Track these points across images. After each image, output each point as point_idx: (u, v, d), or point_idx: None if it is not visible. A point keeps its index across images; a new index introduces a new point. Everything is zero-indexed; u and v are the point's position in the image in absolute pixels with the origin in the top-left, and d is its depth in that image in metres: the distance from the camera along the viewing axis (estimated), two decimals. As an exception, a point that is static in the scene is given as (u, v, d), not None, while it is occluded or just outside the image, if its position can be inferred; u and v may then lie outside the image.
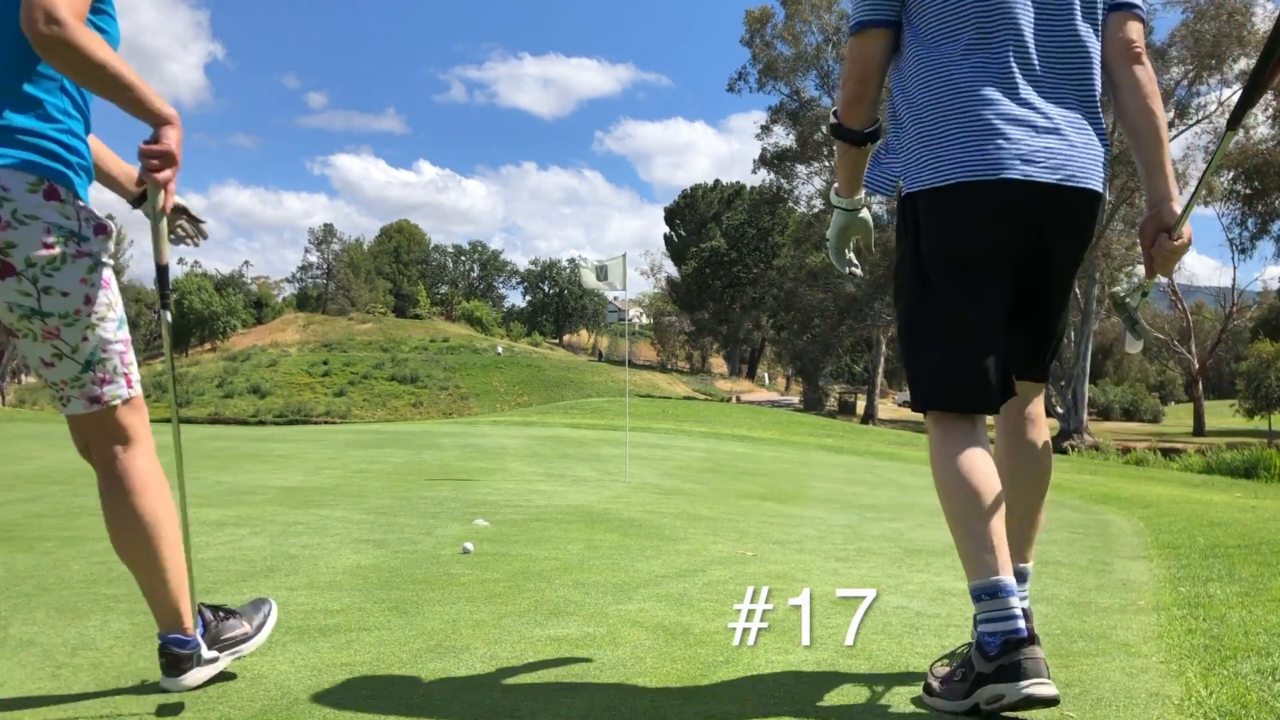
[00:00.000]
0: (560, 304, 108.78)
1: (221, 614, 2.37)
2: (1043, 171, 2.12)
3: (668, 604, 3.28)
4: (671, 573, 3.91)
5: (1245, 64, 43.10)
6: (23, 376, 71.40)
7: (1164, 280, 2.23)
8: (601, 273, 8.84)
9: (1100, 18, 2.23)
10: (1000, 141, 2.12)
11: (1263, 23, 42.38)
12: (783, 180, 61.34)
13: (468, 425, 21.26)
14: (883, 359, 61.16)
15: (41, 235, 2.00)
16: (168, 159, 2.01)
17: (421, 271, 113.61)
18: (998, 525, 2.09)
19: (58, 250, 2.02)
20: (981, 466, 2.15)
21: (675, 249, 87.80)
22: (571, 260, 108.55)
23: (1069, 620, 3.15)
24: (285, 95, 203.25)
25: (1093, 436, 43.91)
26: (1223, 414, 58.24)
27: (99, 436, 2.21)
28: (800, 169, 60.32)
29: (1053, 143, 2.14)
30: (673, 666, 2.51)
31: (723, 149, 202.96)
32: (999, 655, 1.99)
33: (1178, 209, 2.21)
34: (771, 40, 58.03)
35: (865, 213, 2.55)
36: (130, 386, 2.21)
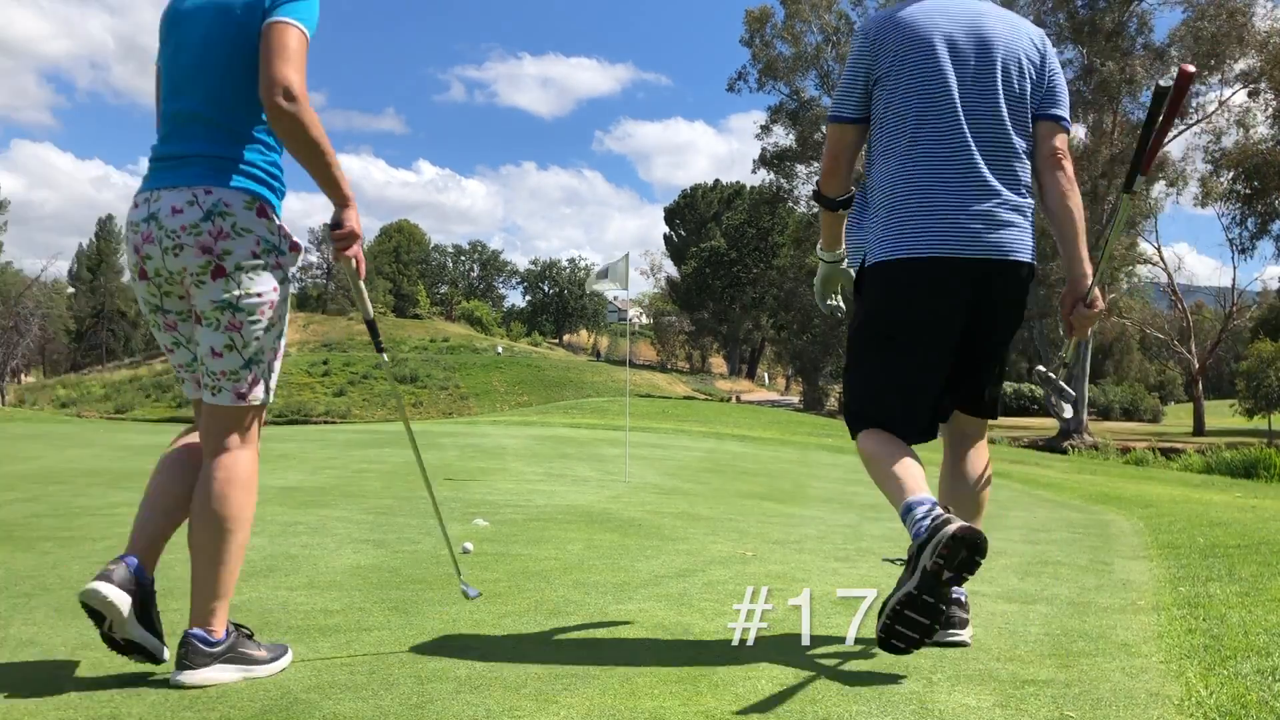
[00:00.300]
0: (560, 304, 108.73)
1: (245, 632, 2.44)
2: (976, 249, 2.54)
3: (668, 604, 3.28)
4: (671, 573, 3.91)
5: (1245, 64, 43.13)
6: (22, 376, 71.40)
7: (1084, 342, 2.78)
8: (604, 273, 8.86)
9: (1027, 122, 2.66)
10: (943, 225, 2.54)
11: (1262, 21, 42.42)
12: (783, 180, 61.36)
13: (468, 425, 21.26)
14: (883, 359, 61.13)
15: (252, 245, 2.33)
16: (352, 237, 2.43)
17: (421, 271, 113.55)
18: (903, 469, 2.47)
19: (261, 259, 2.35)
20: (886, 440, 2.58)
21: (675, 249, 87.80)
22: (571, 260, 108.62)
23: (1069, 620, 3.15)
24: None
25: (1092, 436, 43.90)
26: (1223, 414, 58.20)
27: (224, 428, 2.38)
28: (800, 169, 60.30)
29: (986, 225, 2.56)
30: (673, 666, 2.51)
31: (722, 149, 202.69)
32: (928, 530, 2.27)
33: (1089, 283, 2.67)
34: (771, 40, 58.04)
35: (846, 263, 2.91)
36: (268, 393, 2.44)
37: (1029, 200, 2.67)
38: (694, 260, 78.98)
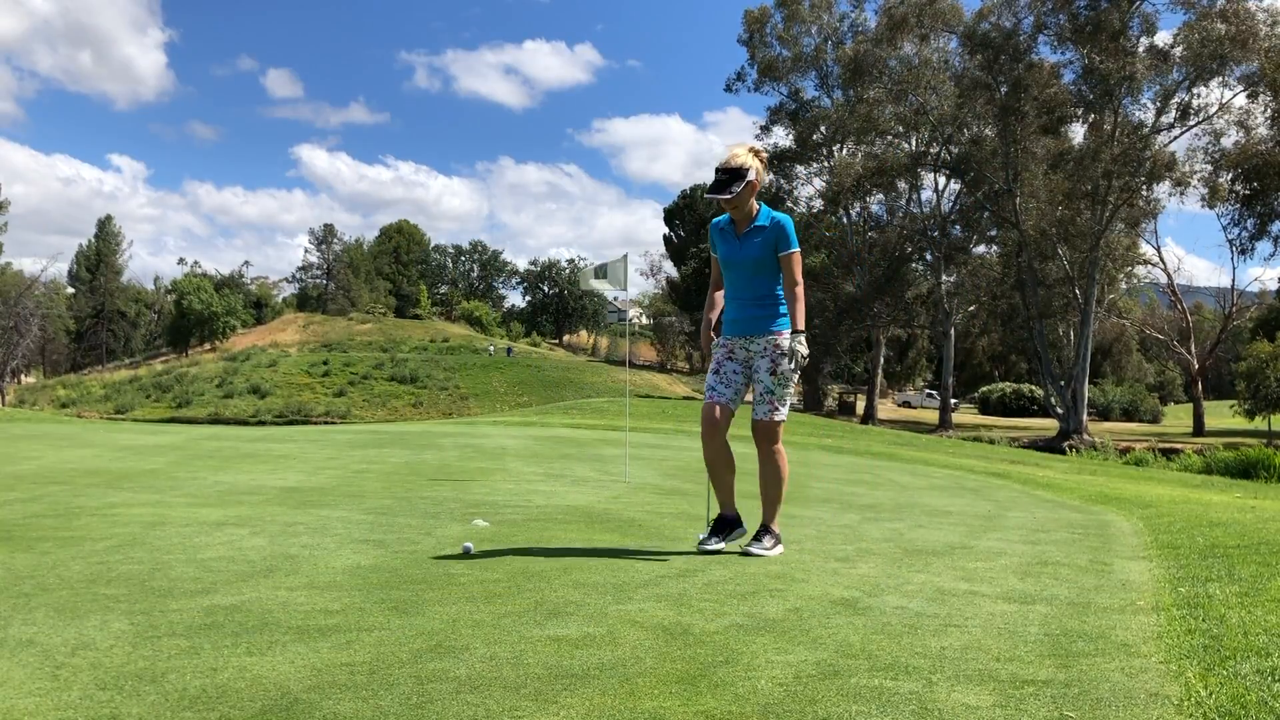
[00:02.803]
0: (560, 304, 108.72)
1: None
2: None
3: (668, 604, 3.28)
4: (671, 573, 3.91)
5: (1246, 67, 43.12)
6: (22, 377, 71.36)
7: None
8: (601, 271, 8.78)
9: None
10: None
11: (1264, 25, 42.41)
12: (782, 181, 61.35)
13: (468, 425, 21.25)
14: (882, 359, 61.10)
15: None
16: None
17: (421, 271, 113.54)
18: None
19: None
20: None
21: (675, 249, 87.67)
22: (571, 260, 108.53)
23: (1069, 620, 3.15)
24: (256, 88, 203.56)
25: (1092, 436, 43.89)
26: (1222, 414, 58.21)
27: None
28: (800, 169, 60.33)
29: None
30: (673, 666, 2.51)
31: (718, 147, 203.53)
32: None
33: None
34: (769, 40, 58.03)
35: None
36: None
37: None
38: (694, 260, 78.93)
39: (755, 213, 4.50)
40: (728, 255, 4.54)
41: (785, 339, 4.46)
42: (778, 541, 4.57)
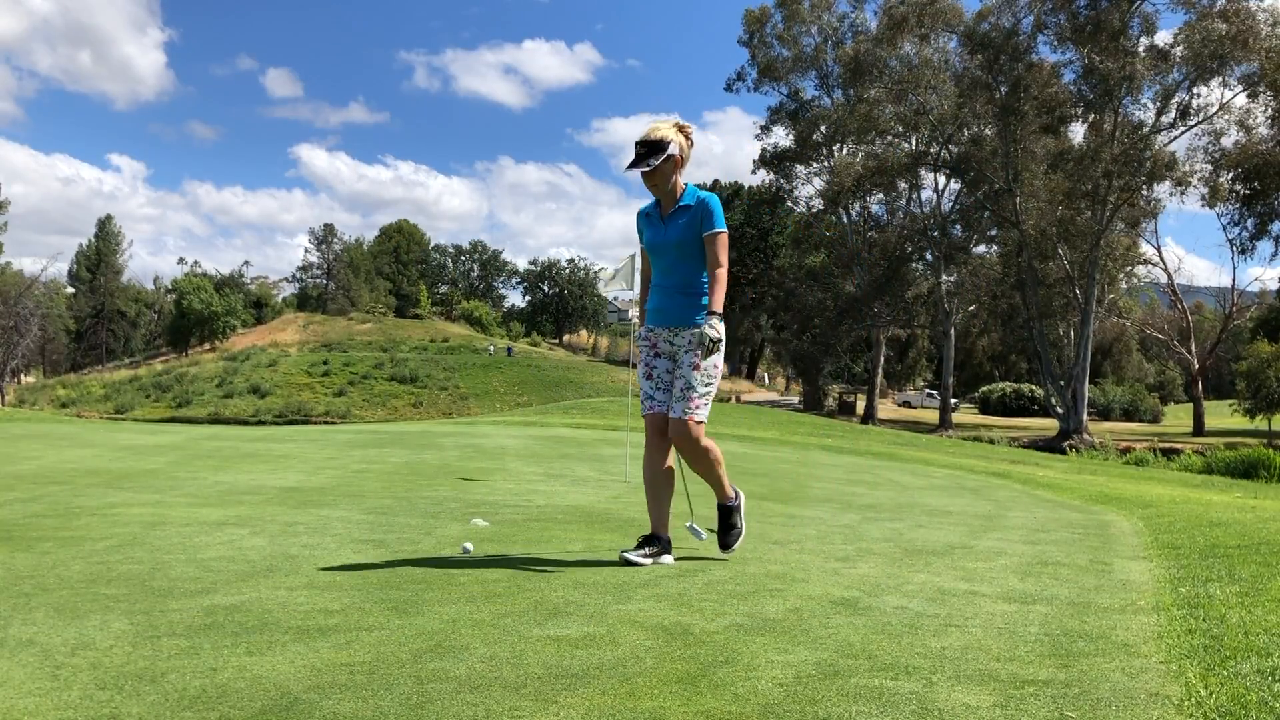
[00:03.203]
0: (560, 304, 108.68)
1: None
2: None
3: (668, 604, 3.28)
4: (671, 573, 3.91)
5: (1246, 67, 43.13)
6: (22, 376, 71.35)
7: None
8: (617, 274, 8.82)
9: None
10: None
11: (1264, 25, 42.41)
12: (782, 180, 61.36)
13: (468, 425, 21.24)
14: (882, 359, 61.11)
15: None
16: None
17: (421, 271, 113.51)
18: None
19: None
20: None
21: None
22: (571, 260, 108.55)
23: (1069, 620, 3.15)
24: (256, 87, 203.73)
25: (1092, 436, 43.89)
26: (1223, 414, 58.20)
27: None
28: (800, 169, 60.35)
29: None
30: (673, 666, 2.51)
31: (719, 147, 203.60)
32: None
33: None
34: (769, 40, 58.05)
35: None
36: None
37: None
38: (694, 260, 78.89)
39: (680, 192, 4.21)
40: (651, 239, 4.25)
41: (709, 329, 4.09)
42: (738, 510, 4.42)
